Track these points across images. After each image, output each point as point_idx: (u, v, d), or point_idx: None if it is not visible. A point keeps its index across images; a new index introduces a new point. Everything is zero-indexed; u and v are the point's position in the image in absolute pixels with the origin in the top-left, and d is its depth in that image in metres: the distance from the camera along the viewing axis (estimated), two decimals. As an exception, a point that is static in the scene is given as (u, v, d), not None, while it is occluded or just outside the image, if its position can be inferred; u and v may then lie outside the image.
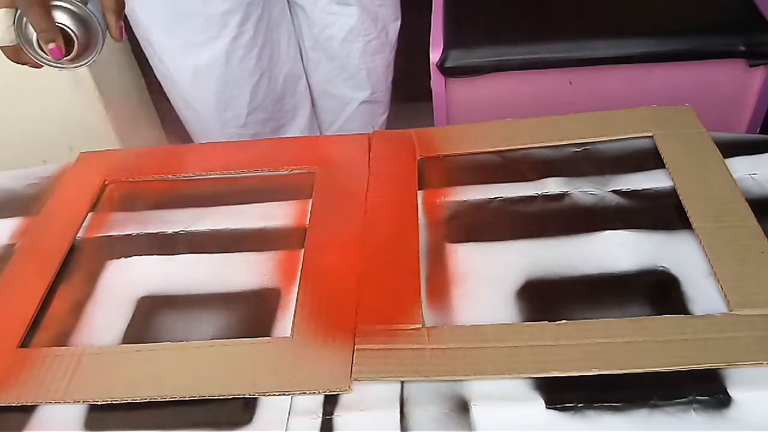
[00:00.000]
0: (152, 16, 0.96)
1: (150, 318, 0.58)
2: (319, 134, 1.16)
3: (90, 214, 0.69)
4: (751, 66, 0.92)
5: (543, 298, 0.55)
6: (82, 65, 0.62)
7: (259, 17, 0.97)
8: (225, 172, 0.72)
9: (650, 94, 0.87)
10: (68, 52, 0.59)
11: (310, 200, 0.67)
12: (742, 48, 0.91)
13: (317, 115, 1.16)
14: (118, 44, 1.12)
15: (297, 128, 1.12)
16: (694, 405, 0.46)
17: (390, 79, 1.16)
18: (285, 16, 1.04)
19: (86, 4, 0.59)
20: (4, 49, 0.60)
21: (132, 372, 0.53)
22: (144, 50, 1.01)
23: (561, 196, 0.64)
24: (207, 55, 0.97)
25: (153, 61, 1.02)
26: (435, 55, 0.96)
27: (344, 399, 0.50)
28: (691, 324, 0.51)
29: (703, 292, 0.54)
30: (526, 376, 0.49)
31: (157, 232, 0.66)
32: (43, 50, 0.58)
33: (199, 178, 0.73)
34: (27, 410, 0.52)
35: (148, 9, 0.95)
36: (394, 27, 1.10)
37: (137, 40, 1.09)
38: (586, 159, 0.68)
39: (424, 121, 1.19)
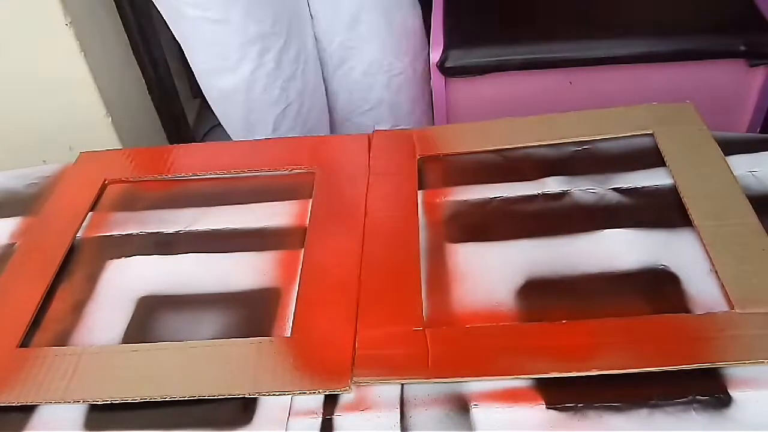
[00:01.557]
0: (185, 38, 0.99)
1: (150, 318, 0.58)
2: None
3: (90, 214, 0.69)
4: (751, 66, 0.92)
5: (543, 298, 0.55)
6: None
7: (281, 50, 0.98)
8: (225, 172, 0.72)
9: (650, 94, 0.87)
10: None
11: (310, 200, 0.67)
12: (742, 48, 0.91)
13: None
14: (118, 45, 1.13)
15: None
16: (694, 405, 0.46)
17: (420, 109, 1.15)
18: (310, 54, 1.05)
19: None
20: None
21: (132, 372, 0.53)
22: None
23: (561, 195, 0.64)
24: (230, 81, 0.99)
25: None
26: (435, 55, 0.96)
27: (344, 399, 0.50)
28: (692, 322, 0.51)
29: (703, 290, 0.53)
30: (526, 376, 0.49)
31: (157, 232, 0.66)
32: None
33: (199, 178, 0.73)
34: (27, 410, 0.52)
35: (181, 30, 0.97)
36: (423, 59, 1.08)
37: (138, 40, 1.09)
38: (586, 157, 0.68)
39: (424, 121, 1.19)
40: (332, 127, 1.15)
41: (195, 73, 1.04)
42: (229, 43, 0.95)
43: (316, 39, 1.06)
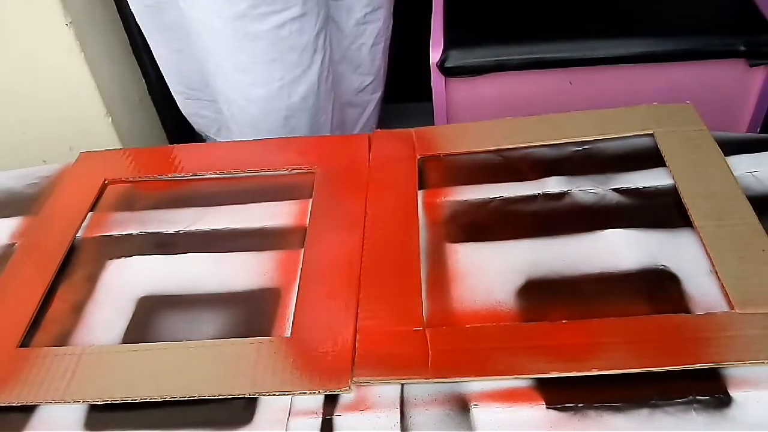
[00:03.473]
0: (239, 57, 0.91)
1: (150, 318, 0.58)
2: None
3: (90, 214, 0.69)
4: (751, 66, 0.92)
5: (543, 298, 0.55)
6: None
7: (319, 32, 0.92)
8: (225, 172, 0.72)
9: (650, 94, 0.87)
10: None
11: (310, 200, 0.67)
12: (742, 48, 0.91)
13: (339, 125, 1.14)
14: (118, 45, 1.13)
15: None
16: (694, 405, 0.46)
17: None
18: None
19: None
20: None
21: (132, 372, 0.53)
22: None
23: (561, 195, 0.64)
24: (303, 89, 0.92)
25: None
26: (435, 55, 0.96)
27: (344, 399, 0.50)
28: (692, 323, 0.51)
29: (703, 291, 0.54)
30: (526, 376, 0.49)
31: (157, 232, 0.66)
32: None
33: (199, 178, 0.73)
34: (27, 410, 0.52)
35: (237, 47, 0.90)
36: (391, 12, 1.08)
37: (138, 41, 1.09)
38: (586, 158, 0.68)
39: (424, 121, 1.19)
40: (335, 111, 1.11)
41: (238, 105, 0.94)
42: (307, 40, 0.88)
43: (335, 21, 1.00)
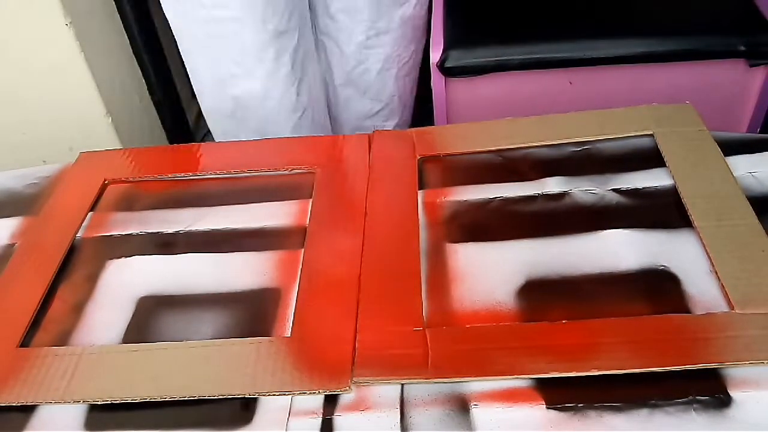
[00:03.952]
0: (192, 45, 0.93)
1: (150, 318, 0.58)
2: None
3: (90, 214, 0.69)
4: (751, 66, 0.92)
5: (543, 298, 0.55)
6: None
7: (295, 49, 0.93)
8: (225, 172, 0.72)
9: (650, 94, 0.87)
10: None
11: (310, 200, 0.67)
12: (742, 48, 0.91)
13: None
14: (118, 45, 1.12)
15: None
16: (694, 405, 0.46)
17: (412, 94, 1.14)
18: (314, 55, 1.00)
19: None
20: None
21: (132, 372, 0.53)
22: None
23: (561, 196, 0.64)
24: (245, 88, 0.93)
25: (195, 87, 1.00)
26: (435, 55, 0.96)
27: (344, 399, 0.50)
28: (692, 323, 0.51)
29: (703, 291, 0.53)
30: (526, 376, 0.49)
31: (157, 232, 0.66)
32: None
33: (199, 178, 0.73)
34: (27, 410, 0.52)
35: (190, 35, 0.92)
36: (422, 45, 1.07)
37: (138, 40, 1.09)
38: (586, 158, 0.68)
39: (424, 121, 1.19)
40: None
41: (199, 86, 0.97)
42: (247, 44, 0.89)
43: (333, 41, 1.01)
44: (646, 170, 0.65)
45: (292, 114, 0.97)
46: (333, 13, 1.00)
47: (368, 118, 1.11)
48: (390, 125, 1.13)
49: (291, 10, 0.90)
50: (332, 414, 0.49)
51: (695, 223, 0.58)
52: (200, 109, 1.07)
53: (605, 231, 0.59)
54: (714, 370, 0.48)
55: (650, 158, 0.66)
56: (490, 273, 0.57)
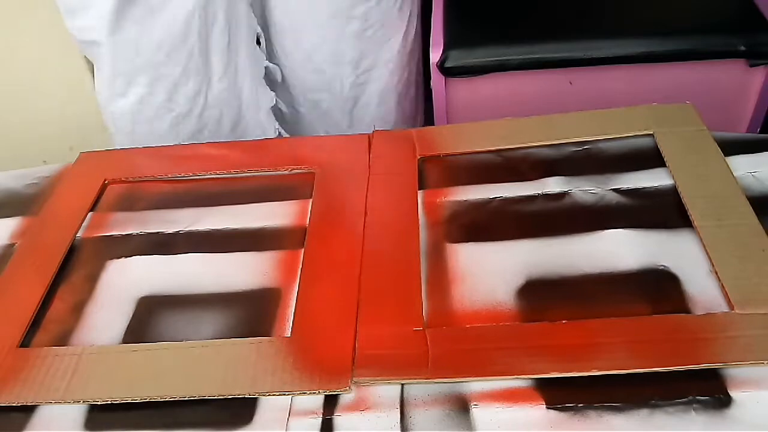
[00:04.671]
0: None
1: (150, 318, 0.58)
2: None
3: (90, 214, 0.69)
4: (751, 66, 0.92)
5: (543, 298, 0.55)
6: None
7: (177, 83, 0.92)
8: (225, 172, 0.72)
9: (650, 94, 0.87)
10: None
11: (310, 200, 0.67)
12: (742, 48, 0.91)
13: None
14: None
15: None
16: (694, 405, 0.46)
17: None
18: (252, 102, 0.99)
19: None
20: None
21: (132, 372, 0.53)
22: None
23: (561, 195, 0.64)
24: (118, 105, 0.93)
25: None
26: (435, 55, 0.96)
27: (344, 399, 0.50)
28: (692, 323, 0.51)
29: (703, 291, 0.53)
30: (526, 376, 0.49)
31: (157, 232, 0.66)
32: None
33: (199, 178, 0.73)
34: (27, 410, 0.52)
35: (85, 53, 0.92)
36: (418, 61, 1.08)
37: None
38: (586, 158, 0.68)
39: (424, 122, 1.19)
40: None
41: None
42: (119, 67, 0.89)
43: (326, 90, 1.02)
44: (646, 170, 0.65)
45: (160, 141, 0.95)
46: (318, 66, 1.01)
47: None
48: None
49: (171, 46, 0.89)
50: (332, 414, 0.49)
51: (695, 223, 0.58)
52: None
53: (605, 231, 0.59)
54: (714, 370, 0.48)
55: (650, 158, 0.66)
56: (490, 273, 0.57)
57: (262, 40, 0.99)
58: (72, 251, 0.65)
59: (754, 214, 0.58)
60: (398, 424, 0.47)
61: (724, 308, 0.52)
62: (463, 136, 0.73)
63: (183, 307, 0.59)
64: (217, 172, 0.73)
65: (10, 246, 0.67)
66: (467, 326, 0.53)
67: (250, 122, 1.01)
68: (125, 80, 0.91)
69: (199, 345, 0.54)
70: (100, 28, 0.86)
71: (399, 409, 0.48)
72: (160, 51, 0.89)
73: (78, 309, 0.59)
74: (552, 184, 0.65)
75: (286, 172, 0.72)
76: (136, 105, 0.92)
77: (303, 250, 0.62)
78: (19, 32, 0.99)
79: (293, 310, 0.56)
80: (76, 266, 0.64)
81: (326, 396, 0.50)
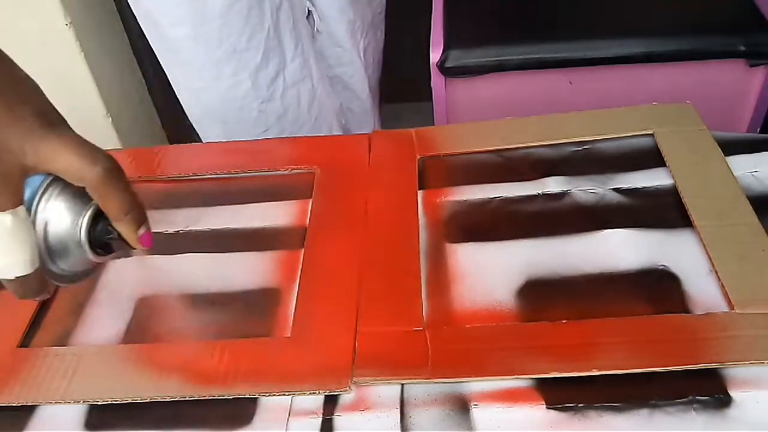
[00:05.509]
0: (162, 56, 0.95)
1: (150, 318, 0.58)
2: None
3: (90, 214, 0.69)
4: (751, 66, 0.92)
5: (543, 298, 0.55)
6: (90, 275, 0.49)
7: (258, 68, 0.93)
8: (225, 172, 0.72)
9: (650, 94, 0.87)
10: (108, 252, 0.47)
11: (310, 200, 0.67)
12: (742, 48, 0.91)
13: None
14: (118, 45, 1.13)
15: None
16: (694, 405, 0.46)
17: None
18: (305, 74, 1.01)
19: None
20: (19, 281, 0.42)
21: (132, 372, 0.53)
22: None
23: (561, 195, 0.64)
24: (206, 98, 0.95)
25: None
26: (435, 55, 0.96)
27: (344, 399, 0.50)
28: (692, 323, 0.51)
29: (703, 291, 0.53)
30: (526, 376, 0.49)
31: (157, 232, 0.66)
32: (95, 250, 0.45)
33: (199, 178, 0.73)
34: (27, 410, 0.52)
35: (158, 47, 0.94)
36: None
37: (138, 40, 1.09)
38: (586, 157, 0.68)
39: (424, 121, 1.19)
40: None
41: (176, 91, 0.99)
42: (202, 60, 0.91)
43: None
44: (646, 170, 0.65)
45: (252, 129, 0.98)
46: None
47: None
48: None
49: (252, 31, 0.91)
50: (332, 414, 0.49)
51: (695, 223, 0.58)
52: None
53: (605, 231, 0.59)
54: (714, 370, 0.48)
55: (650, 158, 0.66)
56: (490, 273, 0.57)
57: (315, 16, 1.01)
58: (72, 251, 0.65)
59: (754, 214, 0.58)
60: (398, 424, 0.47)
61: (724, 308, 0.52)
62: (463, 136, 0.73)
63: (183, 307, 0.59)
64: (217, 172, 0.73)
65: (10, 246, 0.67)
66: (467, 326, 0.53)
67: (321, 96, 1.02)
68: (213, 70, 0.91)
69: (199, 345, 0.54)
70: (189, 20, 0.87)
71: (399, 409, 0.48)
72: (242, 37, 0.89)
73: (78, 309, 0.59)
74: (552, 184, 0.65)
75: (286, 172, 0.72)
76: (225, 94, 0.93)
77: (303, 250, 0.62)
78: (19, 32, 0.99)
79: (293, 310, 0.56)
80: (76, 266, 0.64)
81: (326, 396, 0.50)
